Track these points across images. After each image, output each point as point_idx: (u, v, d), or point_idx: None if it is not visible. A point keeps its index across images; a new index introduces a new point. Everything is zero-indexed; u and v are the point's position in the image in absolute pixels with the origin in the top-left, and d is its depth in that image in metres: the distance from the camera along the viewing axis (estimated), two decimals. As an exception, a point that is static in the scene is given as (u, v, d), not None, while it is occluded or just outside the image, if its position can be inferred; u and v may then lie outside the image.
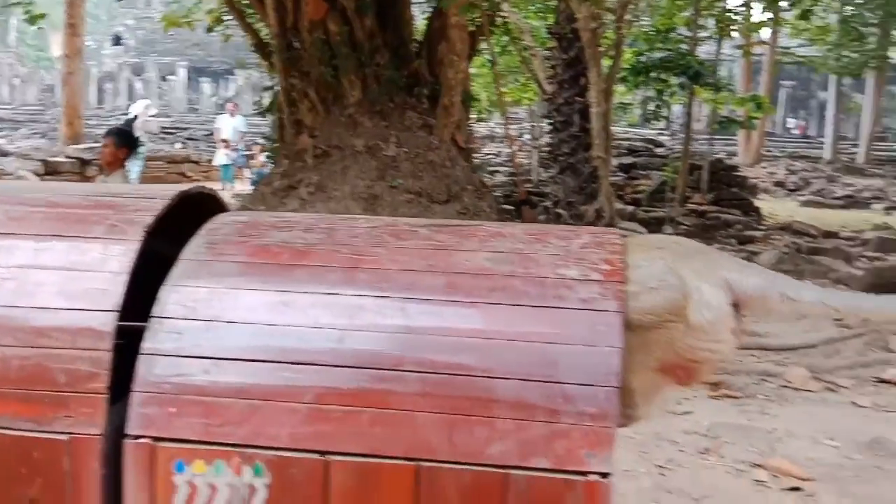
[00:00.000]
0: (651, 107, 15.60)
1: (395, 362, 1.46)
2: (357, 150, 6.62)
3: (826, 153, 26.91)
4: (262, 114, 8.46)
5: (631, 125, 24.99)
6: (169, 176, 17.69)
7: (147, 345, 1.51)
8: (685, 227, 12.20)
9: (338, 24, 6.69)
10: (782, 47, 26.80)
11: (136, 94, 35.59)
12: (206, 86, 35.67)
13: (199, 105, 31.63)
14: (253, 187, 15.12)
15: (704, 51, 15.78)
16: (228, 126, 16.65)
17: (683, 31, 15.08)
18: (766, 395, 5.16)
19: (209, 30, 9.78)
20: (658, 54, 13.49)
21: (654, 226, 11.43)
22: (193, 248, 1.64)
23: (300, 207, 6.63)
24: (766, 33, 21.51)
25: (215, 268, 1.60)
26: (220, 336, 1.52)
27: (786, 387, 5.32)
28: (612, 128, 12.44)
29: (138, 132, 16.04)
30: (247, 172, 17.40)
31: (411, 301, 1.52)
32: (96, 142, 20.90)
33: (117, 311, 1.54)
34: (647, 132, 24.25)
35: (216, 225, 1.74)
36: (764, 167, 25.23)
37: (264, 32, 7.71)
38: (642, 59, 14.10)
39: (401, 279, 1.56)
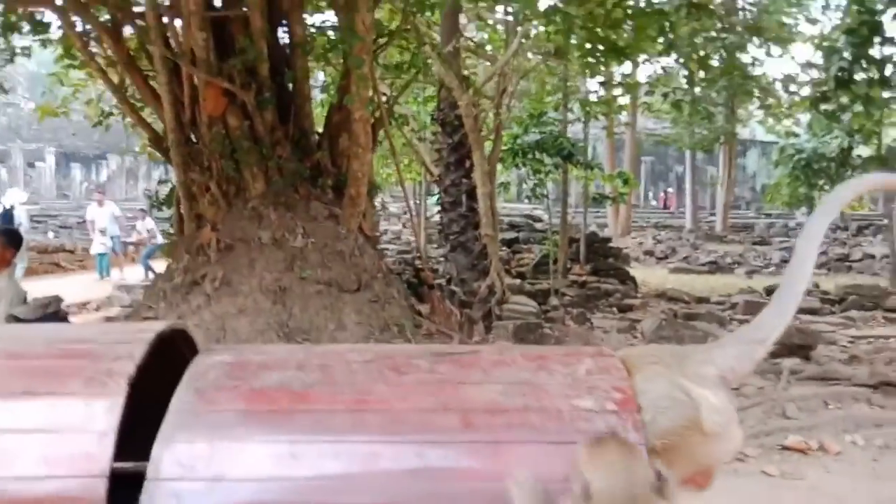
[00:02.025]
0: (529, 185, 16.30)
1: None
2: (263, 242, 6.48)
3: (687, 222, 28.80)
4: (157, 207, 8.16)
5: (507, 201, 25.89)
6: (41, 267, 16.60)
7: (144, 511, 1.38)
8: (569, 297, 12.61)
9: (238, 118, 6.61)
10: (643, 127, 28.79)
11: (1, 183, 33.69)
12: (77, 171, 34.26)
13: (70, 191, 30.22)
14: (146, 265, 14.53)
15: (572, 131, 16.74)
16: (101, 215, 15.91)
17: (553, 114, 15.97)
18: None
19: (96, 123, 9.41)
20: (532, 136, 14.19)
21: (540, 297, 11.75)
22: (182, 398, 1.53)
23: (205, 303, 6.37)
24: (625, 114, 23.09)
25: (210, 419, 1.50)
26: (225, 496, 1.41)
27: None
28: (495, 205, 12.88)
29: (18, 222, 15.14)
30: (132, 254, 16.88)
31: (427, 444, 1.47)
32: (-45, 235, 19.53)
33: (107, 476, 1.40)
34: (524, 207, 25.18)
35: (201, 368, 1.64)
36: (633, 237, 26.68)
37: (159, 126, 7.51)
38: (518, 141, 14.79)
39: (413, 420, 1.51)
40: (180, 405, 1.52)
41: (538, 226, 18.65)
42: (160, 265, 15.50)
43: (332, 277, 6.36)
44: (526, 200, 25.67)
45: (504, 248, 15.61)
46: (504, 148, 13.80)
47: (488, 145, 13.05)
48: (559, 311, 10.80)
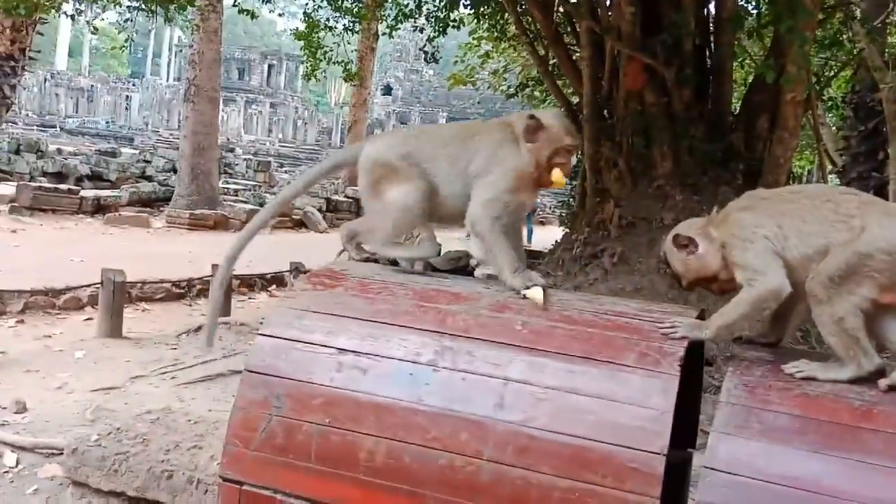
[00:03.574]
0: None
1: None
2: (665, 223, 6.37)
3: None
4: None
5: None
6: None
7: (702, 498, 1.39)
8: None
9: (655, 94, 6.55)
10: None
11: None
12: (463, 135, 37.48)
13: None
14: (530, 228, 15.41)
15: None
16: None
17: None
18: None
19: (511, 95, 10.09)
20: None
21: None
22: (732, 391, 1.51)
23: (602, 277, 6.50)
24: None
25: (765, 418, 1.46)
26: (778, 501, 1.36)
27: None
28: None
29: None
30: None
31: None
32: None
33: (664, 454, 1.44)
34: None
35: (746, 361, 1.61)
36: None
37: (574, 100, 7.78)
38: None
39: None
40: (732, 398, 1.50)
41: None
42: (543, 233, 16.29)
43: (733, 267, 6.03)
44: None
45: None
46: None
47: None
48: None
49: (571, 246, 7.05)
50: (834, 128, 14.35)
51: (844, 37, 9.59)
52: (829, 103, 14.47)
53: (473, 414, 1.55)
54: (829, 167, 14.03)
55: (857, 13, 10.09)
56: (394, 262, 2.30)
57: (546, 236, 14.34)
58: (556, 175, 1.97)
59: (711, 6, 6.95)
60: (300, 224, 16.08)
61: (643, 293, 6.02)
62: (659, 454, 1.43)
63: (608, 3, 6.92)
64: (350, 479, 1.57)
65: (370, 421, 1.60)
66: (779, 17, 6.18)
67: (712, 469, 1.41)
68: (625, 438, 1.47)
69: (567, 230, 7.64)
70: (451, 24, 9.75)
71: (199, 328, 6.13)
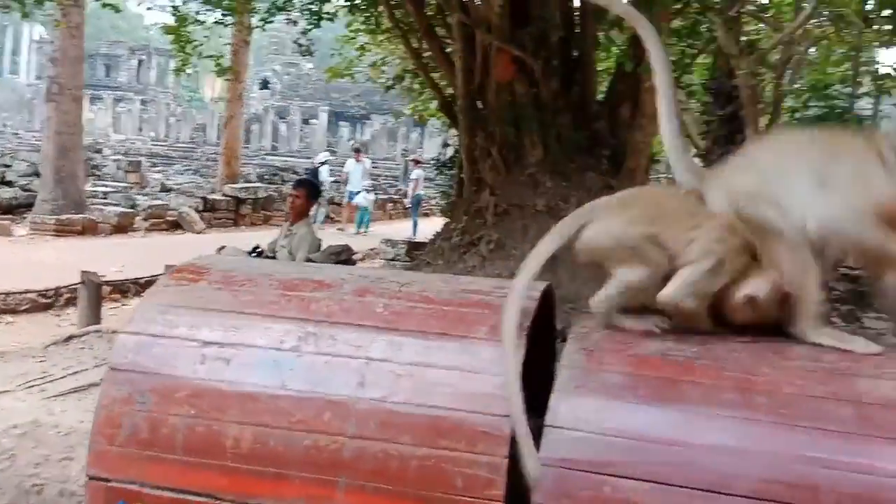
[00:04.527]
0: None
1: (810, 499, 1.41)
2: (538, 209, 6.64)
3: None
4: (438, 169, 8.68)
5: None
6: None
7: (545, 454, 1.52)
8: (838, 292, 11.47)
9: (525, 85, 6.80)
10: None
11: (280, 136, 37.62)
12: (345, 129, 37.24)
13: (338, 148, 32.92)
14: (413, 210, 15.64)
15: (858, 106, 15.08)
16: (356, 170, 17.26)
17: (838, 87, 14.48)
18: None
19: (388, 87, 10.16)
20: (811, 111, 13.01)
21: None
22: (572, 356, 1.66)
23: (480, 264, 6.69)
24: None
25: (601, 378, 1.61)
26: (613, 450, 1.51)
27: None
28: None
29: (322, 179, 17.33)
30: (406, 201, 18.24)
31: (819, 431, 1.47)
32: (248, 182, 22.16)
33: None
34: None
35: (584, 330, 1.76)
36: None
37: (449, 92, 7.93)
38: (796, 115, 13.62)
39: (803, 405, 1.50)
40: (571, 362, 1.64)
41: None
42: (427, 225, 16.57)
43: (602, 248, 6.35)
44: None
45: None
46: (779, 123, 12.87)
47: (763, 120, 12.22)
48: (825, 307, 9.90)
49: (450, 235, 7.22)
50: (697, 113, 15.19)
51: (704, 27, 10.20)
52: (690, 90, 15.29)
53: (336, 394, 1.62)
54: (694, 150, 14.89)
55: (715, 3, 10.71)
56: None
57: (431, 228, 14.56)
58: None
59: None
60: (175, 225, 15.55)
61: (520, 277, 6.26)
62: (506, 416, 1.55)
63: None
64: (217, 467, 1.61)
65: (235, 409, 1.64)
66: (638, 8, 6.54)
67: (553, 427, 1.54)
68: (476, 405, 1.58)
69: (447, 220, 7.82)
70: (325, 16, 9.72)
71: (69, 338, 5.89)
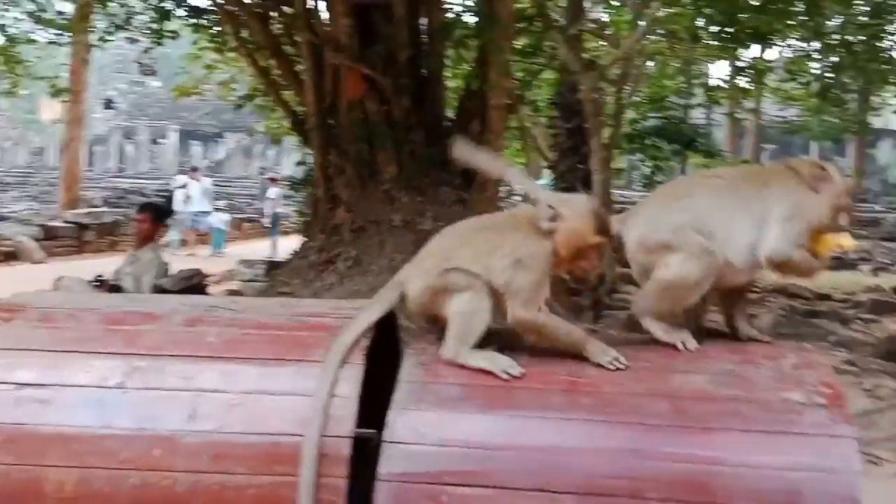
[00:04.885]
0: (644, 171, 16.03)
1: (633, 490, 1.49)
2: (394, 224, 6.71)
3: (810, 215, 27.36)
4: (294, 187, 8.56)
5: (619, 188, 25.47)
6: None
7: (384, 470, 1.53)
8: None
9: (376, 103, 6.85)
10: (767, 114, 27.59)
11: (127, 158, 35.80)
12: (197, 148, 35.93)
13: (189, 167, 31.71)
14: (272, 229, 15.24)
15: (692, 116, 16.29)
16: (197, 190, 16.61)
17: (674, 98, 15.58)
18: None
19: (238, 105, 9.92)
20: (650, 122, 13.92)
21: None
22: (410, 371, 1.68)
23: (338, 281, 6.65)
24: (748, 101, 22.19)
25: (436, 390, 1.64)
26: (451, 460, 1.55)
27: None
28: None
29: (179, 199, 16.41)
30: (264, 220, 17.77)
31: (639, 426, 1.56)
32: (93, 207, 20.90)
33: (351, 437, 1.56)
34: (636, 194, 24.66)
35: (420, 344, 1.78)
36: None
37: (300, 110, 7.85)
38: (636, 126, 14.52)
39: (624, 403, 1.60)
40: (409, 377, 1.66)
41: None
42: (287, 243, 16.21)
43: (459, 260, 6.47)
44: (638, 188, 25.17)
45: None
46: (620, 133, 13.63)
47: (606, 131, 12.90)
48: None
49: (307, 253, 7.14)
50: (544, 126, 15.80)
51: (547, 44, 10.64)
52: (536, 105, 15.90)
53: (166, 429, 1.56)
54: (543, 162, 15.48)
55: (557, 22, 11.21)
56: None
57: (291, 246, 14.24)
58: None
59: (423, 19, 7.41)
60: (11, 256, 14.41)
61: (377, 292, 6.27)
62: (346, 437, 1.55)
63: (326, 16, 7.11)
64: (39, 514, 1.51)
65: (57, 452, 1.55)
66: (480, 30, 6.79)
67: (391, 443, 1.55)
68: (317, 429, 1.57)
69: (305, 238, 7.72)
70: (167, 34, 9.38)
71: None
